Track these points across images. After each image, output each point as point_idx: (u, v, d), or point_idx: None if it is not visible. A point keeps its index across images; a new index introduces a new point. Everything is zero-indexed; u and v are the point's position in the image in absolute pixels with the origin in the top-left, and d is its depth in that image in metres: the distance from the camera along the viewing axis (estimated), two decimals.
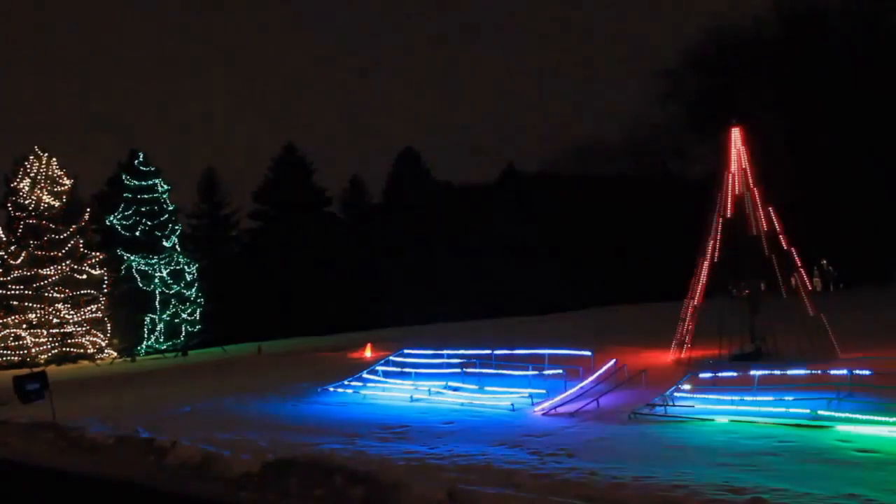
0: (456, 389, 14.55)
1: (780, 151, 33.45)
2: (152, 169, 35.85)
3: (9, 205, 33.90)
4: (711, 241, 16.48)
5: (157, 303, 33.80)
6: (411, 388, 15.01)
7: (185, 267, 35.02)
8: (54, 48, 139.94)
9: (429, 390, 14.66)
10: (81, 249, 34.30)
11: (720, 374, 12.81)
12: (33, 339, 32.08)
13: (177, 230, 36.16)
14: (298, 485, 8.50)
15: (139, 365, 28.89)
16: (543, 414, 11.97)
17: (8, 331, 32.03)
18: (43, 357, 31.68)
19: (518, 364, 15.90)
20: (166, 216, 35.55)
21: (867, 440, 8.73)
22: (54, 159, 34.39)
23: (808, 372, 11.77)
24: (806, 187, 35.74)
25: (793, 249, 15.67)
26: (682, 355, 16.07)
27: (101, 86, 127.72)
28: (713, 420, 10.34)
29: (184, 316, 34.43)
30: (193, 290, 35.02)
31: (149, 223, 34.78)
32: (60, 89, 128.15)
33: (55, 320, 32.68)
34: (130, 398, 17.30)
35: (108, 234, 37.28)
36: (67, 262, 33.38)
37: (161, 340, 33.73)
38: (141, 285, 33.80)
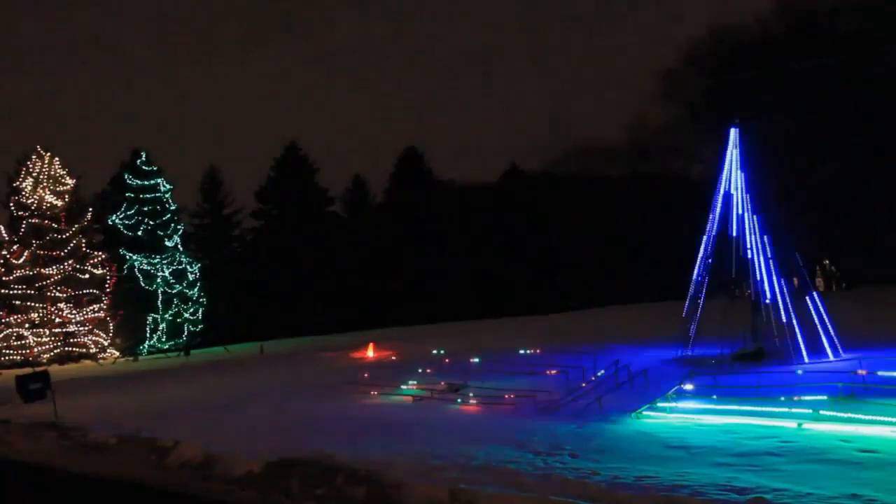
0: (457, 389, 14.55)
1: (781, 151, 33.38)
2: (154, 168, 35.90)
3: (11, 204, 33.95)
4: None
5: (159, 302, 33.88)
6: (415, 389, 15.01)
7: (188, 266, 35.10)
8: (56, 47, 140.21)
9: (431, 391, 14.66)
10: (84, 249, 34.32)
11: (722, 374, 12.81)
12: (36, 339, 32.12)
13: (179, 230, 36.21)
14: (300, 485, 8.51)
15: (141, 364, 28.93)
16: (545, 413, 11.97)
17: (10, 330, 32.06)
18: (45, 356, 31.71)
19: (520, 363, 15.91)
20: (168, 216, 35.60)
21: (869, 440, 8.71)
22: (57, 159, 34.41)
23: (810, 371, 11.77)
24: (808, 187, 35.67)
25: (794, 250, 15.68)
26: (684, 355, 16.07)
27: (103, 85, 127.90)
28: (715, 420, 10.33)
29: (186, 315, 34.49)
30: (196, 289, 35.08)
31: (151, 223, 34.83)
32: (63, 88, 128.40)
33: (57, 320, 32.72)
34: (132, 398, 17.31)
35: (110, 233, 37.36)
36: (70, 262, 33.40)
37: (163, 340, 33.80)
38: (143, 285, 33.89)
